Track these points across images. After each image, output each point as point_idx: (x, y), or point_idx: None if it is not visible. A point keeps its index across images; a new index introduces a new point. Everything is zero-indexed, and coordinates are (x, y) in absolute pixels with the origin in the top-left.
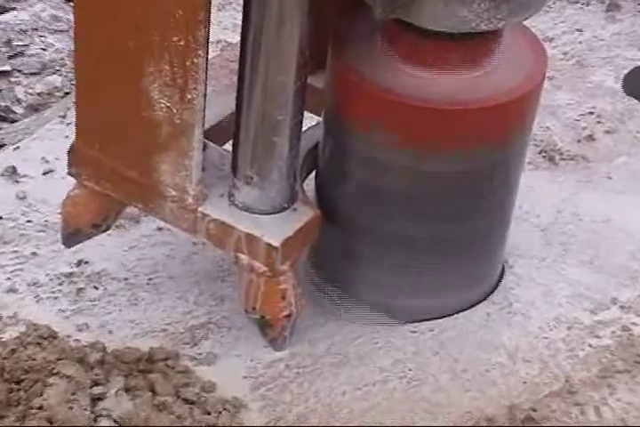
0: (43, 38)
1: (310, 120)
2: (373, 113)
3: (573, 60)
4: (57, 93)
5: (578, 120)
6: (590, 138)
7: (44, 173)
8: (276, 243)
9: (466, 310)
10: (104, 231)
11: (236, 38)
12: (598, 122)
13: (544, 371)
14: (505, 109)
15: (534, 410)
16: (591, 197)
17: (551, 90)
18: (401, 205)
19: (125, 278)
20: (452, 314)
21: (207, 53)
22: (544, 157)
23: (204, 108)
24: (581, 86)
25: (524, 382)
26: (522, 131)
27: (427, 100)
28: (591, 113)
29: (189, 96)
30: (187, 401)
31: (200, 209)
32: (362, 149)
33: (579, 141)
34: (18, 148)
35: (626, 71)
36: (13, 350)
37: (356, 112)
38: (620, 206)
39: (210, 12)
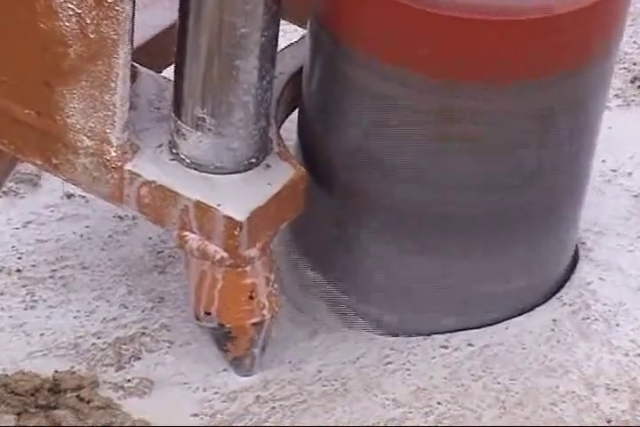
0: None
1: (292, 34)
2: (385, 26)
3: None
4: None
5: None
6: None
7: None
8: (239, 217)
9: (521, 314)
10: None
11: None
12: None
13: (638, 405)
14: (579, 19)
15: None
16: None
17: None
18: (429, 163)
19: (18, 270)
20: (501, 321)
21: None
22: (638, 87)
23: (133, 16)
24: None
25: (609, 422)
26: (604, 50)
27: (463, 6)
28: None
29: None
30: None
31: (127, 167)
32: (366, 80)
33: None
34: None
35: None
36: None
37: (359, 23)
38: None
39: None
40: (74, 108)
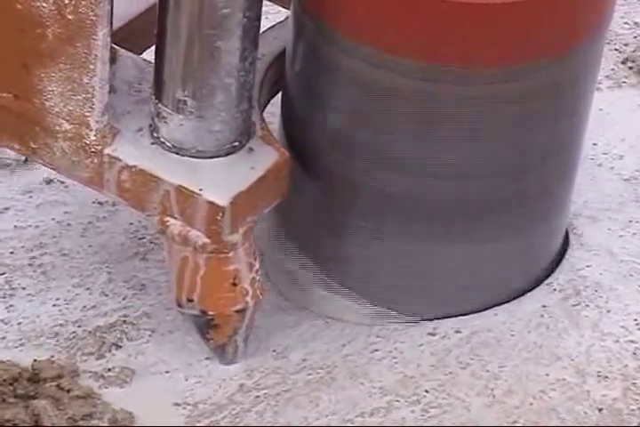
0: None
1: (277, 15)
2: (367, 10)
3: None
4: None
5: None
6: None
7: None
8: (222, 201)
9: (510, 300)
10: None
11: None
12: None
13: (629, 392)
14: (565, 1)
15: None
16: None
17: None
18: (414, 149)
19: None
20: (490, 307)
21: None
22: (630, 68)
23: None
24: None
25: (600, 410)
26: (592, 33)
27: None
28: None
29: None
30: None
31: (107, 151)
32: (349, 63)
33: None
34: None
35: None
36: None
37: (342, 7)
38: None
39: None
40: (52, 91)
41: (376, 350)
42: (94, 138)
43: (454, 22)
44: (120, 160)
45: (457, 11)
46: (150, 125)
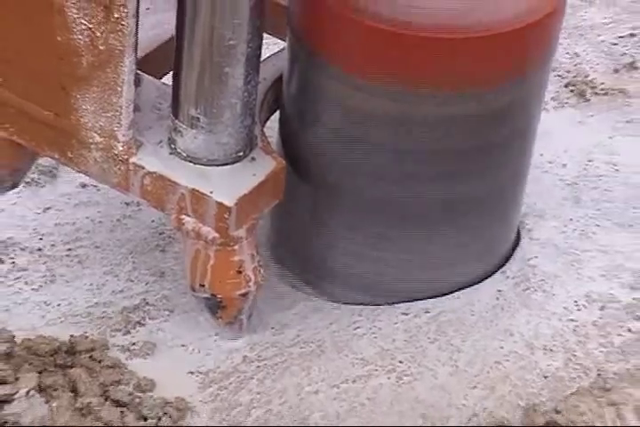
0: None
1: (275, 46)
2: (350, 40)
3: None
4: None
5: (615, 44)
6: (631, 66)
7: None
8: (229, 202)
9: (471, 285)
10: (11, 189)
11: None
12: None
13: (570, 362)
14: (519, 36)
15: (558, 412)
16: (631, 142)
17: (581, 5)
18: (388, 161)
19: (39, 249)
20: (454, 291)
21: None
22: (572, 91)
23: (137, 30)
24: (620, 1)
25: (545, 377)
26: (540, 62)
27: (419, 26)
28: (632, 35)
29: (117, 15)
30: (117, 403)
31: (132, 160)
32: (336, 88)
33: (616, 71)
34: None
35: None
36: None
37: (328, 39)
38: None
39: None
40: (86, 109)
41: (358, 328)
42: (122, 149)
43: (421, 53)
44: (143, 168)
45: (424, 44)
46: (169, 138)
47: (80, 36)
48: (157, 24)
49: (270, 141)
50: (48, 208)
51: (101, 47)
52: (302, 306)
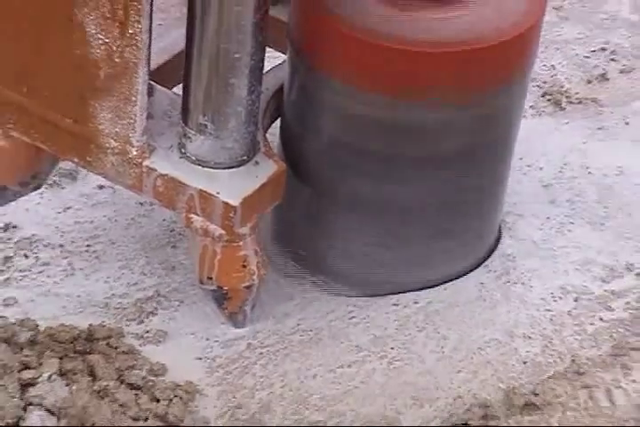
0: None
1: (277, 59)
2: (345, 54)
3: None
4: None
5: (588, 57)
6: (603, 78)
7: None
8: (234, 202)
9: (456, 279)
10: (34, 190)
11: None
12: (612, 59)
13: (547, 349)
14: (499, 50)
15: (536, 394)
16: (603, 147)
17: (557, 22)
18: (379, 164)
19: (60, 245)
20: (441, 284)
21: None
22: (548, 100)
23: (150, 44)
24: (593, 18)
25: (524, 362)
26: (521, 73)
27: (410, 41)
28: (603, 49)
29: (131, 31)
30: (132, 386)
31: (146, 163)
32: (331, 97)
33: (589, 82)
34: None
35: None
36: None
37: (325, 52)
38: (636, 157)
39: None
40: (103, 116)
41: (353, 317)
42: (136, 153)
43: (413, 66)
44: (156, 170)
45: (416, 57)
46: (179, 143)
47: (98, 50)
48: (169, 39)
49: (272, 146)
50: (68, 208)
51: (117, 60)
52: (301, 298)
